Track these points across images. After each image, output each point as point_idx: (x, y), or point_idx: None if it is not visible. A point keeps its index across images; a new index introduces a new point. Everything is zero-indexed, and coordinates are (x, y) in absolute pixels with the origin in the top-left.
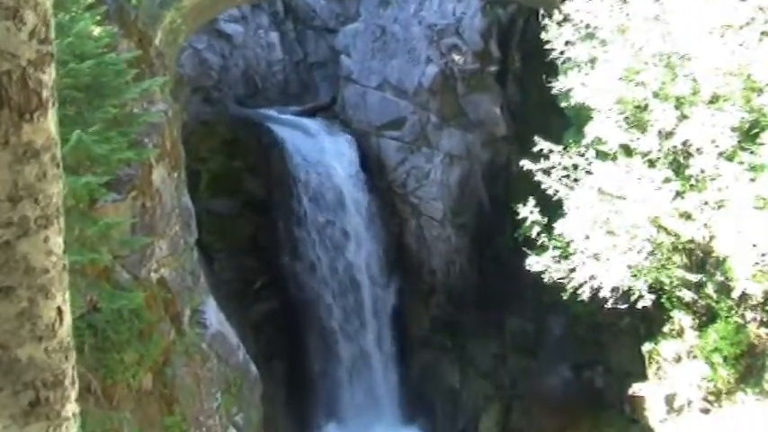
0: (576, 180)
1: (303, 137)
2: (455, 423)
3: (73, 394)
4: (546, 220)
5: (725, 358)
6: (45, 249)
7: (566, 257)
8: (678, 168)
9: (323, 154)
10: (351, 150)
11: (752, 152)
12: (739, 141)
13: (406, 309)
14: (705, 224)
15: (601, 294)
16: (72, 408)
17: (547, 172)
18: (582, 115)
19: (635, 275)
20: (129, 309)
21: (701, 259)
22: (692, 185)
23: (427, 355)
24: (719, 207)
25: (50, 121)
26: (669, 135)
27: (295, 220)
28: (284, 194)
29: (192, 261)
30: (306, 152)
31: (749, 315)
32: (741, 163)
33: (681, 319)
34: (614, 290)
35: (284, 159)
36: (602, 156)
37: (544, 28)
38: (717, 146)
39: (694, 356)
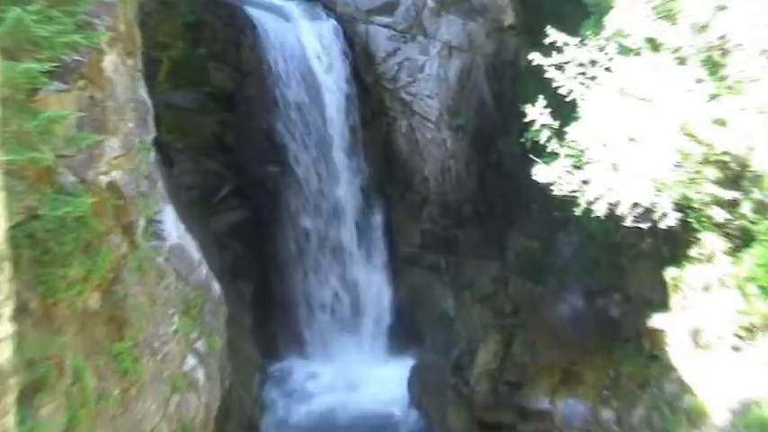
0: (593, 78)
1: (279, 21)
2: (447, 354)
3: (7, 311)
4: (558, 123)
5: (762, 288)
6: None
7: (579, 167)
8: (713, 68)
9: (303, 42)
10: (336, 39)
11: None
12: None
13: (394, 222)
14: (743, 133)
15: (619, 211)
16: (5, 328)
17: (560, 68)
18: (603, 3)
19: (659, 190)
20: (74, 216)
21: (737, 174)
22: (728, 88)
23: (417, 276)
24: (760, 113)
25: None
26: (703, 28)
27: (268, 116)
28: (256, 88)
29: (149, 163)
30: (282, 39)
31: None
32: None
33: (711, 241)
34: (635, 206)
35: (256, 47)
36: (624, 51)
37: None
38: (759, 42)
39: (726, 285)
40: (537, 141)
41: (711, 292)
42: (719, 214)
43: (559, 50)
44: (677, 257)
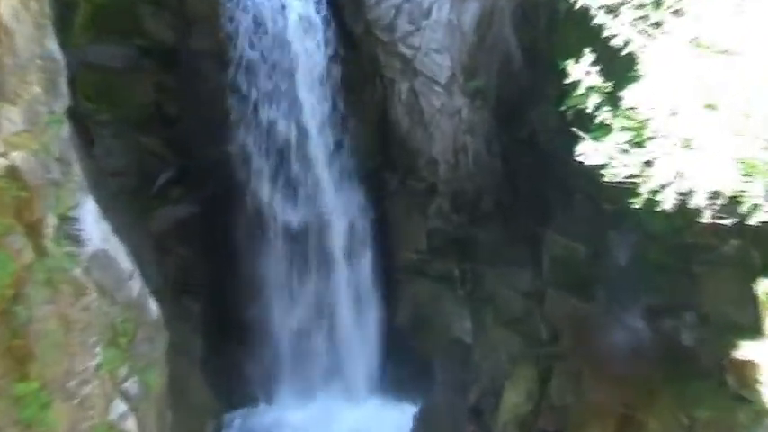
0: (657, 24)
1: None
2: (463, 396)
3: None
4: (610, 85)
5: None
6: None
7: (639, 144)
8: None
9: None
10: None
11: None
12: None
13: (392, 218)
14: None
15: (693, 203)
16: None
17: (613, 11)
18: None
19: (748, 174)
20: None
21: None
22: None
23: (422, 290)
24: None
25: None
26: None
27: (222, 80)
28: (207, 41)
29: (61, 141)
30: None
31: None
32: None
33: None
34: (714, 195)
35: None
36: None
37: None
38: None
39: None
40: (582, 110)
41: None
42: None
43: None
44: None
